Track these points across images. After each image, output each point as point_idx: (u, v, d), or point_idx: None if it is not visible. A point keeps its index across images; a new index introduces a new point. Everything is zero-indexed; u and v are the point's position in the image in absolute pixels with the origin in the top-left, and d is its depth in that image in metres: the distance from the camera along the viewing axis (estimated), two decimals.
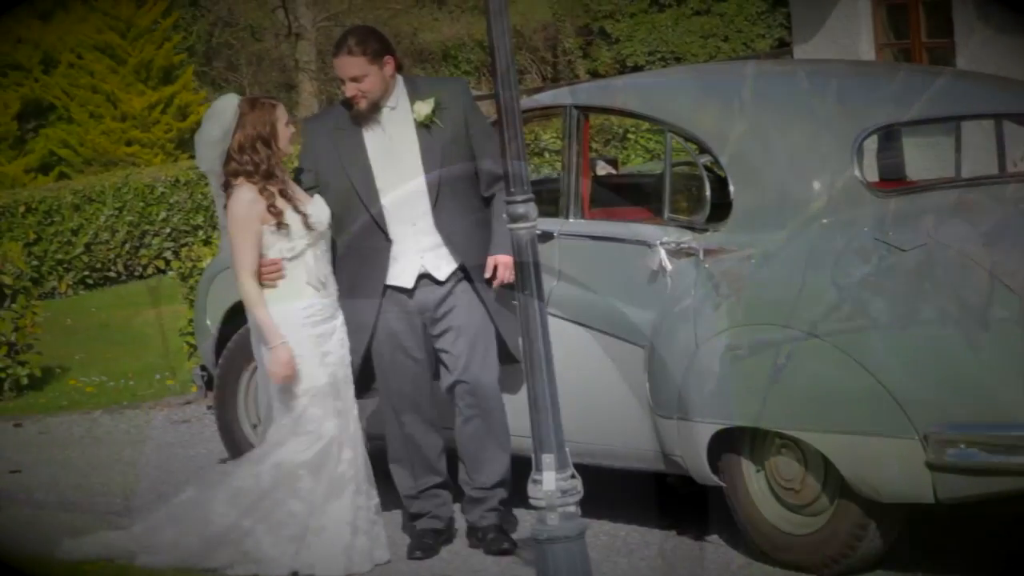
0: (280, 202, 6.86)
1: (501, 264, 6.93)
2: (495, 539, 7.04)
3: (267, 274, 6.87)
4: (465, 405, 7.03)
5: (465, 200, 7.03)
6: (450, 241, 7.00)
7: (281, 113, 7.01)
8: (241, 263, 6.85)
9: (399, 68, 7.09)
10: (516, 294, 5.82)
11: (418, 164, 6.97)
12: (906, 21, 13.14)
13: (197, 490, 7.10)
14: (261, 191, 6.84)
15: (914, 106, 7.27)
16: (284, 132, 6.98)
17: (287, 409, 6.89)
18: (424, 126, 6.99)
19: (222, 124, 6.96)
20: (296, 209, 6.89)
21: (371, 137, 7.01)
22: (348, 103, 7.04)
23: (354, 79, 6.93)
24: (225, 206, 6.97)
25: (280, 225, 6.85)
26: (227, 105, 7.02)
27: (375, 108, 6.99)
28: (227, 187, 6.95)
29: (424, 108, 6.99)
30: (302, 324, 6.88)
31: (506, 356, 7.08)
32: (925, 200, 6.85)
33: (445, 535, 7.20)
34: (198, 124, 7.30)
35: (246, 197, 6.85)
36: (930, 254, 6.33)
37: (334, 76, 7.20)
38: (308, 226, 6.88)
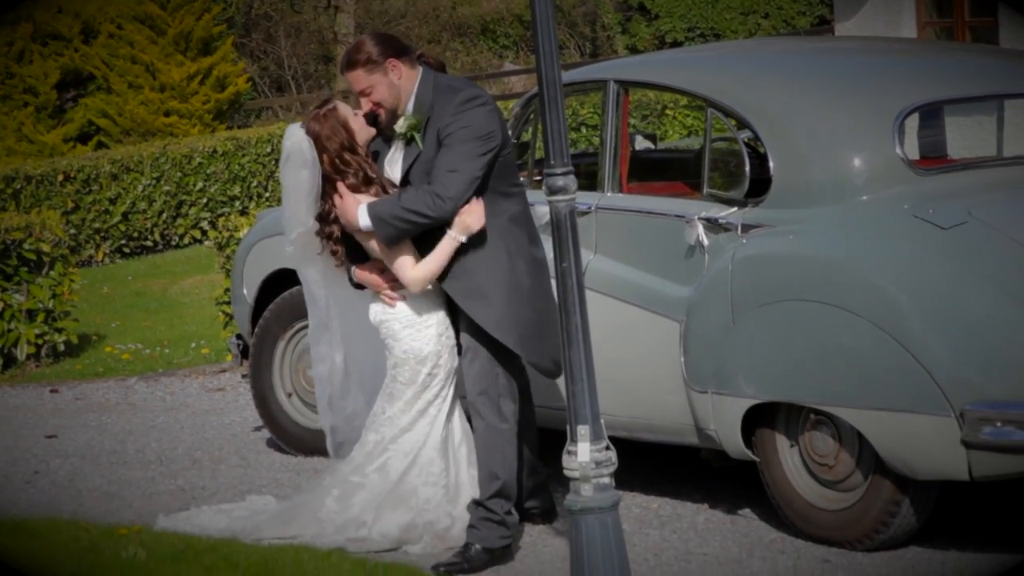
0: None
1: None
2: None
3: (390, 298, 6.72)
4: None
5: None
6: None
7: (345, 110, 6.72)
8: (406, 264, 6.59)
9: (440, 67, 6.80)
10: (554, 267, 5.80)
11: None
12: None
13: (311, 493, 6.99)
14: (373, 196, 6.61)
15: (956, 84, 7.25)
16: (358, 126, 6.69)
17: (405, 389, 6.73)
18: (405, 141, 6.69)
19: (305, 161, 6.65)
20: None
21: (389, 147, 6.78)
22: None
23: (363, 92, 6.66)
24: (333, 251, 6.71)
25: None
26: (298, 138, 6.69)
27: (394, 117, 6.71)
28: (326, 224, 6.68)
29: (402, 124, 6.67)
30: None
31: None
32: (966, 179, 6.83)
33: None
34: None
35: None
36: (970, 233, 6.32)
37: None
38: None
